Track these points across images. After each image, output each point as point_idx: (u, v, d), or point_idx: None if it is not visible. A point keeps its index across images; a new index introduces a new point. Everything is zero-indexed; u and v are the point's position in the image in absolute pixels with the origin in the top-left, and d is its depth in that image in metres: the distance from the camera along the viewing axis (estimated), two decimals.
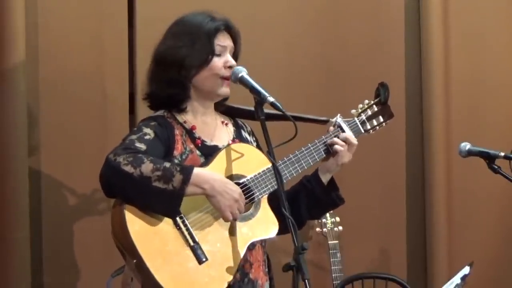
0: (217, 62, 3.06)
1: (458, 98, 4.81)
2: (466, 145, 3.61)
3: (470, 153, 3.59)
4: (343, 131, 3.17)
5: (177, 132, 3.04)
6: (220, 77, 3.05)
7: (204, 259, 2.89)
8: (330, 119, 3.21)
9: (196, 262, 2.88)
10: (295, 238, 2.74)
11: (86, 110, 4.10)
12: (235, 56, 3.13)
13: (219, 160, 2.99)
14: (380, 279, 4.49)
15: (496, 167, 3.52)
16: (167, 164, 2.86)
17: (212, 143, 3.06)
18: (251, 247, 3.02)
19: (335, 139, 3.14)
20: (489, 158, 3.53)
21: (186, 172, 2.85)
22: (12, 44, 3.88)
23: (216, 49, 3.06)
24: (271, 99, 2.87)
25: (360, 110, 3.26)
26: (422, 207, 4.80)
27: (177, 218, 2.90)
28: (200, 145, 3.04)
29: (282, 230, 2.95)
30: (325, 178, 3.19)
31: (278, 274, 3.14)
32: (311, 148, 3.12)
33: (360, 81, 4.66)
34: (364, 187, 4.64)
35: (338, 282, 4.35)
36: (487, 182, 4.57)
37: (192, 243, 2.89)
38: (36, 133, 4.01)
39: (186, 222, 2.90)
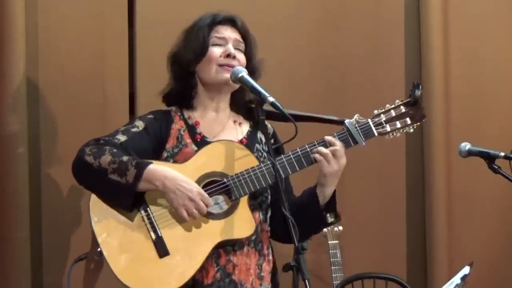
0: (215, 52, 3.06)
1: (458, 99, 4.81)
2: (466, 145, 3.60)
3: (470, 153, 3.59)
4: (351, 134, 3.03)
5: (174, 126, 3.06)
6: (218, 65, 3.05)
7: (165, 254, 2.89)
8: (346, 120, 3.06)
9: (156, 256, 2.89)
10: (295, 238, 2.72)
11: (86, 110, 4.10)
12: (247, 52, 3.12)
13: (203, 155, 2.98)
14: (380, 279, 4.48)
15: (496, 167, 3.51)
16: (125, 158, 2.89)
17: (213, 140, 3.05)
18: (237, 248, 2.99)
19: (318, 148, 3.00)
20: (489, 158, 3.53)
21: (140, 167, 2.87)
22: (12, 44, 3.88)
23: (212, 40, 3.07)
24: (271, 99, 2.86)
25: (381, 111, 3.07)
26: (422, 208, 4.80)
27: (142, 211, 2.91)
28: (199, 140, 3.04)
29: (285, 238, 2.86)
30: (323, 191, 3.05)
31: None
32: (291, 156, 3.00)
33: (360, 82, 4.67)
34: (364, 187, 4.64)
35: (338, 282, 4.35)
36: (487, 182, 4.57)
37: (154, 237, 2.90)
38: (36, 133, 4.01)
39: (151, 215, 2.91)
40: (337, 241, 4.43)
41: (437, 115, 4.74)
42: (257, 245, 3.05)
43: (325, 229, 4.43)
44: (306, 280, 2.70)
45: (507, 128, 4.83)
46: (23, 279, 3.89)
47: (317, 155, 3.00)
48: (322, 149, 3.00)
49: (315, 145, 3.02)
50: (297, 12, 4.56)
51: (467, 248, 4.74)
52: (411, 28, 4.80)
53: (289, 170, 2.99)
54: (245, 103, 3.16)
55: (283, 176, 2.96)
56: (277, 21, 4.52)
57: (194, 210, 2.88)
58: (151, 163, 2.90)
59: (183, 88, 3.10)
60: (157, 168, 2.89)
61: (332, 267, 4.37)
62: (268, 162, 2.95)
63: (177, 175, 2.89)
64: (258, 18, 4.40)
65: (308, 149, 3.01)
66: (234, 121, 3.15)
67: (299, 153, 3.00)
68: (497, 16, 4.88)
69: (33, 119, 4.00)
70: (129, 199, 2.88)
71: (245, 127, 3.16)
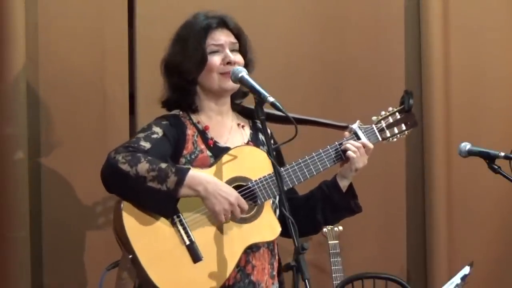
0: (215, 60, 3.06)
1: (458, 98, 4.81)
2: (466, 145, 3.60)
3: (470, 153, 3.59)
4: (359, 137, 3.16)
5: (189, 132, 3.06)
6: (219, 74, 3.06)
7: (199, 259, 2.90)
8: (349, 125, 3.19)
9: (191, 261, 2.90)
10: (295, 238, 2.73)
11: (86, 110, 4.10)
12: (242, 50, 3.13)
13: (225, 161, 3.00)
14: (380, 279, 4.49)
15: (496, 167, 3.51)
16: (163, 165, 2.87)
17: (225, 145, 3.07)
18: (255, 250, 3.03)
19: (348, 145, 3.12)
20: (489, 158, 3.53)
21: (181, 174, 2.86)
22: (12, 44, 3.88)
23: (210, 48, 3.07)
24: (271, 99, 2.86)
25: (380, 117, 3.24)
26: (422, 207, 4.80)
27: (174, 217, 2.91)
28: (212, 145, 3.06)
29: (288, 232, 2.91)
30: (342, 184, 3.18)
31: None
32: (322, 153, 3.11)
33: (360, 81, 4.67)
34: (364, 187, 4.60)
35: (338, 282, 4.36)
36: (487, 182, 4.57)
37: (188, 242, 2.91)
38: (36, 133, 4.01)
39: (184, 221, 2.92)
40: (337, 241, 4.43)
41: (437, 115, 4.74)
42: (269, 245, 3.10)
43: (325, 229, 4.44)
44: (306, 280, 2.71)
45: (507, 128, 4.83)
46: (23, 279, 3.88)
47: (350, 153, 3.10)
48: (354, 142, 3.12)
49: (336, 146, 3.13)
50: (297, 12, 4.56)
51: (467, 248, 4.74)
52: (411, 28, 4.80)
53: (313, 170, 3.08)
54: (241, 96, 3.18)
55: (308, 176, 3.06)
56: (277, 22, 4.51)
57: (231, 215, 2.91)
58: (190, 169, 2.90)
59: (182, 96, 3.10)
60: (197, 173, 2.90)
61: (332, 267, 4.37)
62: (294, 164, 3.04)
63: (216, 180, 2.92)
64: (256, 16, 4.41)
65: (338, 145, 3.12)
66: (238, 124, 3.17)
67: (322, 154, 3.10)
68: (497, 16, 4.88)
69: (33, 119, 3.99)
70: (171, 206, 2.88)
71: (247, 130, 3.19)
